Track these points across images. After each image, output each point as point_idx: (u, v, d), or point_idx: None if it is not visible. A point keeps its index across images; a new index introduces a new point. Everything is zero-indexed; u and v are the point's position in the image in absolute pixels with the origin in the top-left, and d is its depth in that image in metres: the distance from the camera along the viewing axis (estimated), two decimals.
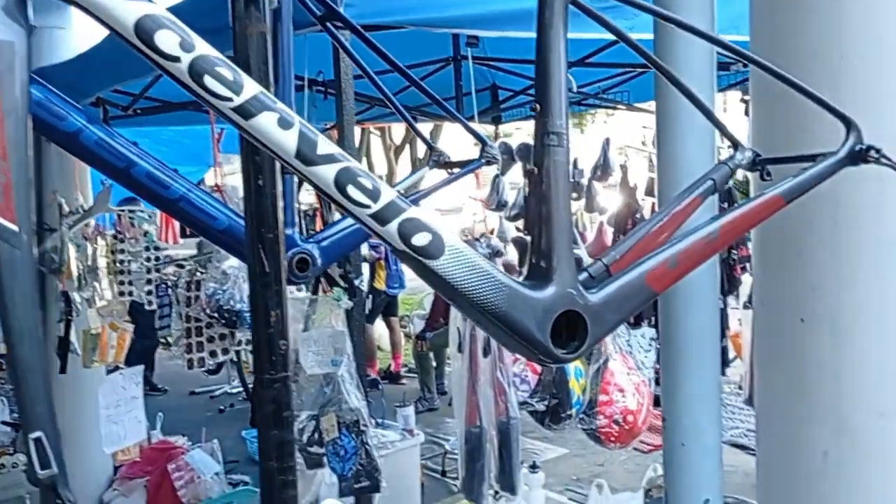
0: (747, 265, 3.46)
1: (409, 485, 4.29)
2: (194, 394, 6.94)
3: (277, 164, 1.07)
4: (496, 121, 5.33)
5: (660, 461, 3.98)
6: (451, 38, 4.03)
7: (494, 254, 2.29)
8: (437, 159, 1.68)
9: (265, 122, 0.79)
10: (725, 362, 5.12)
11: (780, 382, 1.32)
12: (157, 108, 3.86)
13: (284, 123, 0.79)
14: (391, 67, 1.50)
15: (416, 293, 8.08)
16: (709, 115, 1.23)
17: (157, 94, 3.82)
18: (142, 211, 3.76)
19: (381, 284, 6.54)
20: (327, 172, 0.81)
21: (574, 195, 5.84)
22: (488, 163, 1.59)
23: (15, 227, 1.06)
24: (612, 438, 2.69)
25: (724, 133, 1.23)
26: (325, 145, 0.82)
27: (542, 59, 0.93)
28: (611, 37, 1.09)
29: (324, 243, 1.43)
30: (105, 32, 0.76)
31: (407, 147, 11.62)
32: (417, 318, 6.65)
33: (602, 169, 5.21)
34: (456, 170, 1.69)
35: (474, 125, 1.73)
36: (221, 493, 4.21)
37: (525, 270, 0.98)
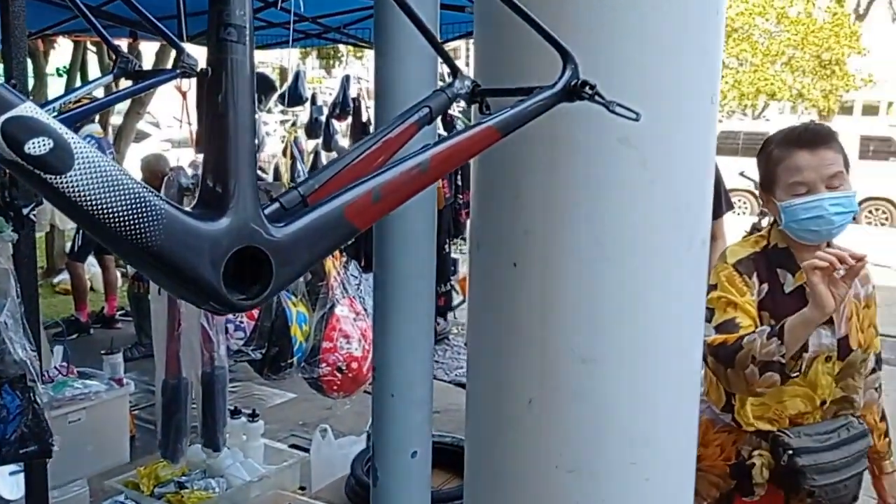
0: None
1: (116, 438, 3.92)
2: None
3: None
4: None
5: None
6: None
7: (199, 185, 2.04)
8: (123, 67, 1.41)
9: None
10: (450, 305, 5.30)
11: (490, 327, 1.27)
12: None
13: None
14: None
15: None
16: (429, 36, 1.11)
17: None
18: None
19: None
20: None
21: (311, 135, 5.64)
22: (185, 74, 1.35)
23: None
24: (335, 387, 2.60)
25: (444, 58, 1.12)
26: None
27: None
28: None
29: None
30: None
31: None
32: None
33: (341, 107, 5.06)
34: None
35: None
36: None
37: (195, 196, 0.80)
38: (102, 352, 4.12)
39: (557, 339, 1.18)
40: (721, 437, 1.98)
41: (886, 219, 13.35)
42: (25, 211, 1.59)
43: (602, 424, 1.20)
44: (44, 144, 0.64)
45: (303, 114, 6.76)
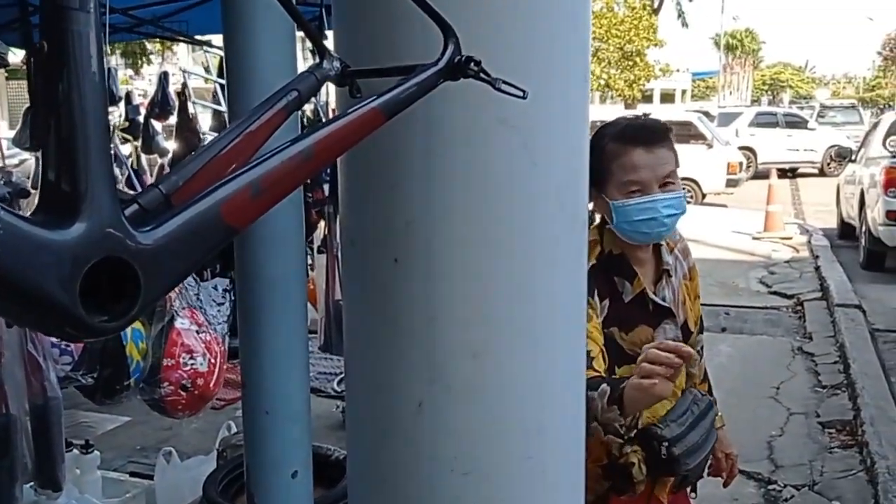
0: (324, 209, 3.36)
1: None
2: None
3: None
4: (27, 40, 4.45)
5: (234, 417, 3.78)
6: None
7: (18, 193, 1.79)
8: None
9: None
10: None
11: (371, 329, 1.18)
12: None
13: None
14: None
15: None
16: (293, 12, 1.00)
17: None
18: None
19: None
20: None
21: (129, 136, 5.25)
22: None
23: None
24: (181, 406, 2.39)
25: (311, 37, 1.01)
26: None
27: None
28: None
29: None
30: None
31: None
32: None
33: (161, 106, 4.74)
34: None
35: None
36: None
37: (36, 200, 0.65)
38: None
39: (446, 336, 1.12)
40: (587, 440, 1.93)
41: (692, 197, 14.46)
42: None
43: (496, 421, 1.15)
44: None
45: (115, 115, 6.26)
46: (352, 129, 0.85)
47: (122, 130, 4.95)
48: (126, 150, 5.90)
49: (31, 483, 2.03)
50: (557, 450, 1.22)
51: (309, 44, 1.06)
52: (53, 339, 2.26)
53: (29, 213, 0.63)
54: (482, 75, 0.95)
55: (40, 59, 0.62)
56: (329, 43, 1.18)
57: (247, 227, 0.78)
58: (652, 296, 1.92)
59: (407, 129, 1.07)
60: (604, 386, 1.67)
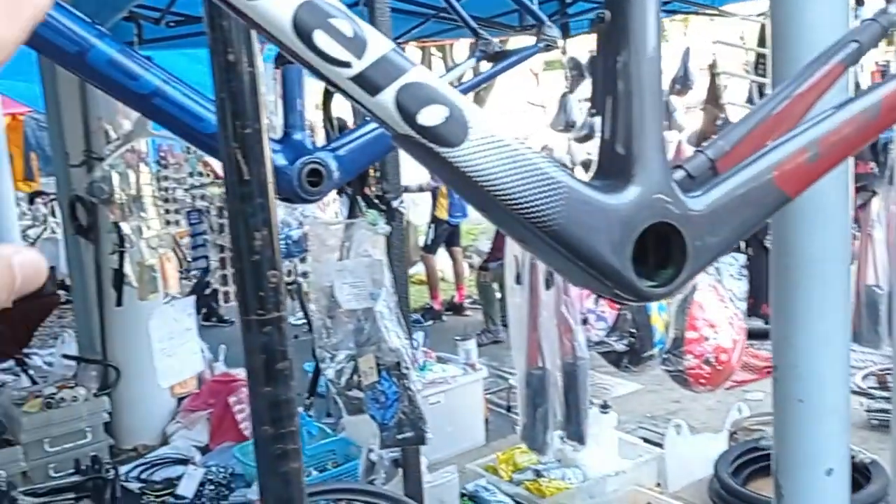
0: (867, 184, 2.96)
1: (472, 420, 4.11)
2: None
3: (254, 34, 0.79)
4: (564, 31, 4.87)
5: (744, 399, 3.66)
6: None
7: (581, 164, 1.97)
8: (484, 49, 1.37)
9: None
10: None
11: None
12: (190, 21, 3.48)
13: None
14: None
15: (480, 222, 7.81)
16: None
17: (186, 9, 3.48)
18: None
19: (442, 213, 6.29)
20: (279, 9, 0.52)
21: None
22: (547, 47, 1.27)
23: None
24: (702, 380, 2.38)
25: None
26: None
27: None
28: None
29: (341, 151, 1.15)
30: None
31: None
32: (481, 248, 6.40)
33: (681, 82, 4.74)
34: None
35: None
36: None
37: (594, 167, 0.68)
38: (457, 337, 4.33)
39: None
40: None
41: None
42: (395, 203, 1.64)
43: None
44: (440, 113, 0.56)
45: None
46: None
47: None
48: None
49: (560, 433, 2.25)
50: None
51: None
52: (590, 305, 2.45)
53: (588, 179, 0.66)
54: None
55: (602, 28, 0.65)
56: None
57: (799, 194, 0.71)
58: None
59: None
60: None
